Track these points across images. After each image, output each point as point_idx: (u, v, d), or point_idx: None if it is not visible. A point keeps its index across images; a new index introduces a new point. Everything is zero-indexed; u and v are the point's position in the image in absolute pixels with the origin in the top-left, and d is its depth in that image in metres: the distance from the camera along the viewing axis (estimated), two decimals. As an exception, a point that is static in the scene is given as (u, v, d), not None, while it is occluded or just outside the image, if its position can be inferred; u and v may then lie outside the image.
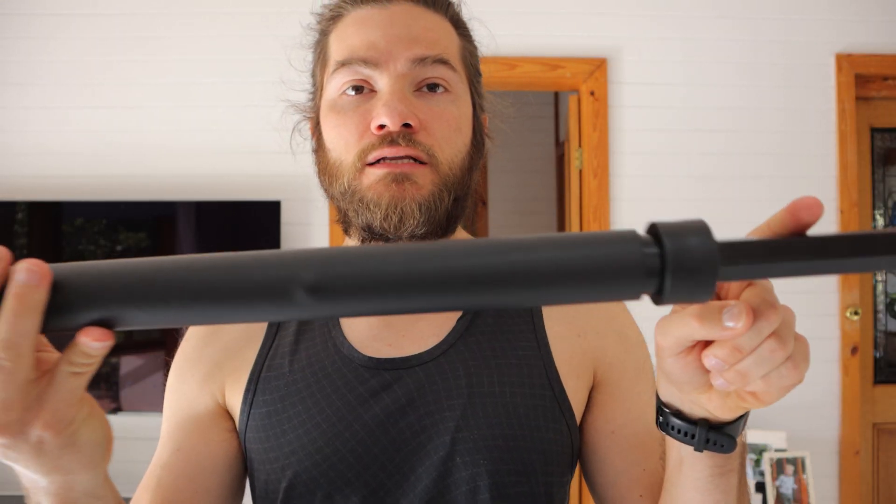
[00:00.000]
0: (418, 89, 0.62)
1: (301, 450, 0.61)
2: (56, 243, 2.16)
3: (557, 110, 4.03)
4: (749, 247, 0.37)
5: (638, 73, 2.30)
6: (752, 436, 2.16)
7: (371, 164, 0.60)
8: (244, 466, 0.66)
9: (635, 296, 0.33)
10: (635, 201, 2.29)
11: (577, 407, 0.65)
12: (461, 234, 0.71)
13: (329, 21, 0.66)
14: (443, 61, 0.62)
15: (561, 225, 3.74)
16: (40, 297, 0.33)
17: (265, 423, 0.63)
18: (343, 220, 0.66)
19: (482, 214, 4.08)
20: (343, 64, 0.62)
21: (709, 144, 2.30)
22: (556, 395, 0.64)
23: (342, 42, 0.63)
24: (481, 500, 0.59)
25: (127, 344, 2.16)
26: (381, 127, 0.59)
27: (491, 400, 0.61)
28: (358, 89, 0.62)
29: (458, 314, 0.66)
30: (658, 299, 0.33)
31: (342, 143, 0.62)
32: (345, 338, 0.65)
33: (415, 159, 0.59)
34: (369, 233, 0.62)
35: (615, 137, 2.29)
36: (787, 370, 0.38)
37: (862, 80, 2.35)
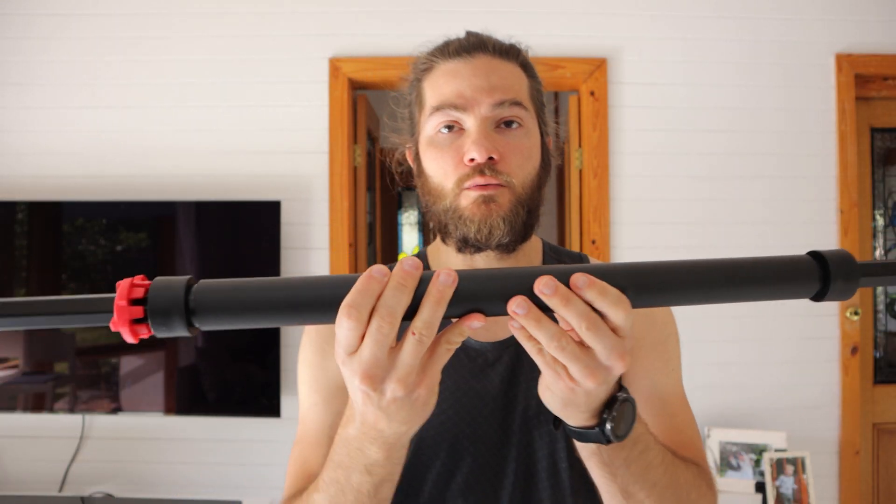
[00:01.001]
0: (497, 126, 0.77)
1: (423, 431, 0.77)
2: (56, 243, 2.16)
3: (557, 110, 4.03)
4: (877, 267, 0.51)
5: (638, 73, 2.30)
6: (752, 436, 2.17)
7: (467, 189, 0.76)
8: None
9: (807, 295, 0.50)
10: (635, 201, 2.29)
11: None
12: (533, 238, 0.86)
13: (423, 71, 0.82)
14: (516, 103, 0.78)
15: (561, 225, 3.74)
16: (450, 293, 0.47)
17: None
18: (442, 231, 0.81)
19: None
20: (438, 108, 0.77)
21: (709, 144, 2.30)
22: None
23: (435, 90, 0.79)
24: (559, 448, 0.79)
25: (126, 344, 2.16)
26: (472, 160, 0.75)
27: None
28: (450, 128, 0.78)
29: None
30: (818, 299, 0.50)
31: (442, 172, 0.77)
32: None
33: (498, 185, 0.75)
34: (465, 243, 0.78)
35: (615, 137, 2.29)
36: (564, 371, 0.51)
37: (862, 80, 2.35)
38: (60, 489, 2.19)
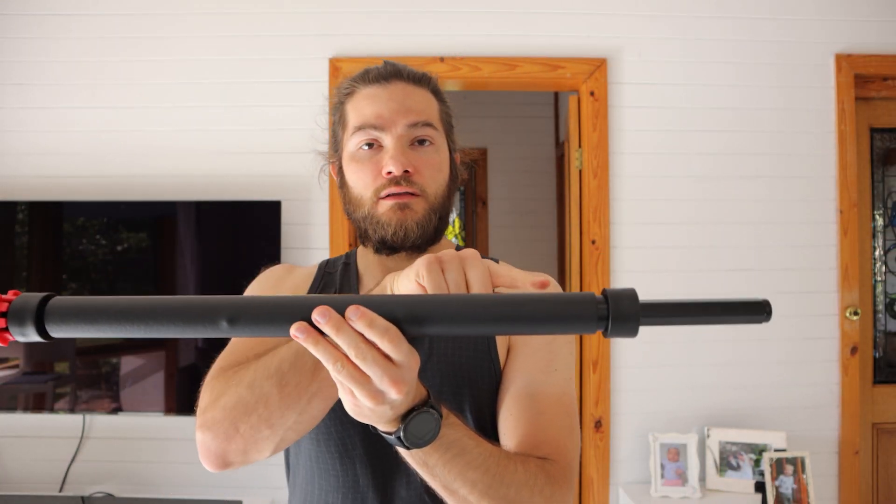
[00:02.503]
0: (412, 144, 0.88)
1: (320, 430, 0.87)
2: (56, 243, 2.17)
3: (557, 110, 4.03)
4: (659, 307, 0.52)
5: (638, 73, 2.30)
6: (751, 436, 2.17)
7: (383, 198, 0.86)
8: None
9: (591, 331, 0.52)
10: (635, 201, 2.29)
11: (502, 364, 0.91)
12: (444, 241, 0.96)
13: (345, 95, 0.93)
14: (428, 124, 0.89)
15: (561, 225, 3.74)
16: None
17: None
18: (363, 236, 0.91)
19: (482, 214, 4.08)
20: (359, 128, 0.88)
21: (708, 144, 2.30)
22: (493, 359, 0.89)
23: (357, 112, 0.89)
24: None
25: (127, 344, 2.16)
26: (389, 173, 0.85)
27: (455, 360, 0.88)
28: (370, 145, 0.88)
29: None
30: (605, 334, 0.52)
31: (361, 183, 0.88)
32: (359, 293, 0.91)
33: (412, 194, 0.86)
34: (382, 244, 0.88)
35: (615, 137, 2.29)
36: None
37: (861, 81, 2.35)
38: (61, 489, 2.19)
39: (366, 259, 0.97)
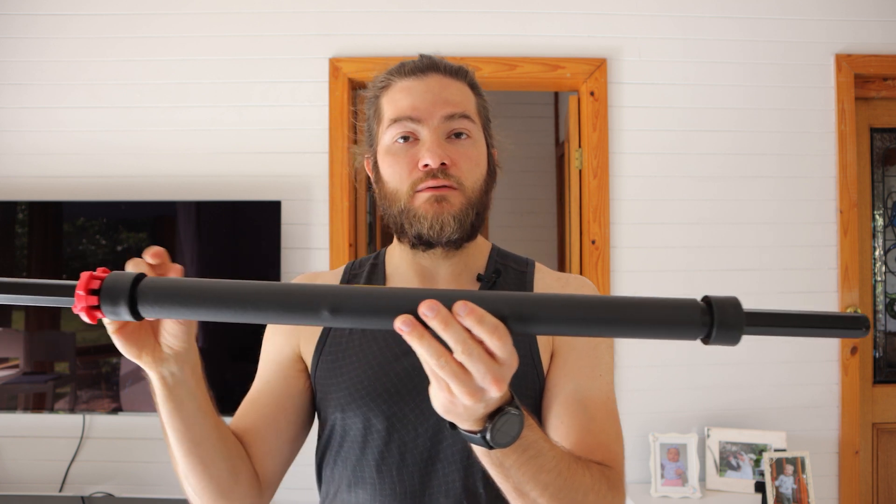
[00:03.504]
0: (448, 137, 0.86)
1: (353, 385, 0.87)
2: (56, 243, 2.17)
3: (557, 110, 4.03)
4: (762, 317, 0.51)
5: (638, 73, 2.30)
6: (751, 436, 2.17)
7: (419, 191, 0.85)
8: (312, 400, 0.92)
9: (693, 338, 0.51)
10: (635, 201, 2.29)
11: (546, 370, 0.90)
12: (481, 240, 0.95)
13: (381, 88, 0.92)
14: (465, 116, 0.87)
15: (561, 225, 3.74)
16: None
17: (330, 367, 0.89)
18: (399, 231, 0.89)
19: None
20: (395, 120, 0.87)
21: (708, 144, 2.30)
22: (535, 365, 0.88)
23: (393, 104, 0.88)
24: None
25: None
26: (426, 165, 0.84)
27: None
28: (406, 138, 0.87)
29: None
30: (706, 342, 0.51)
31: (397, 177, 0.86)
32: None
33: (448, 186, 0.84)
34: (419, 239, 0.86)
35: (615, 138, 2.29)
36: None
37: (861, 81, 2.35)
38: (61, 489, 2.19)
39: (395, 259, 0.95)
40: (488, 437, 0.59)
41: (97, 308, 0.53)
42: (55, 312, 2.16)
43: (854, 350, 2.28)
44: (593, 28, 2.30)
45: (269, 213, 2.15)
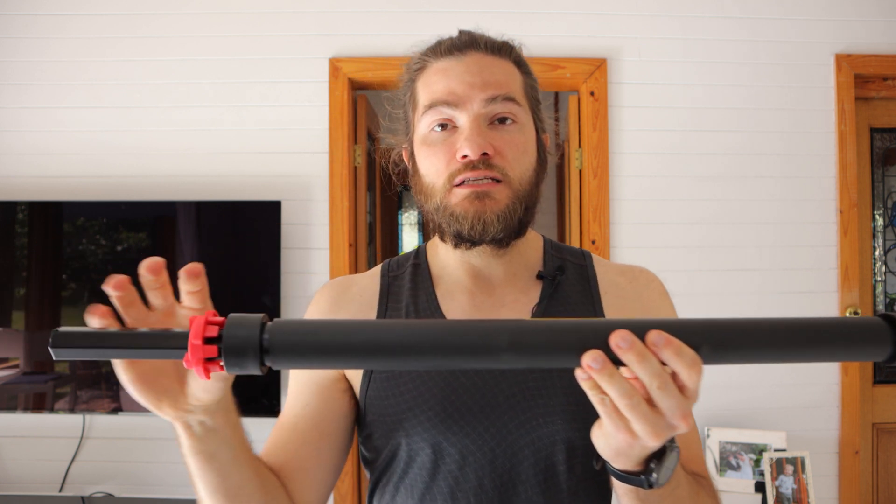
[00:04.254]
0: (491, 123, 0.77)
1: (416, 406, 0.77)
2: (56, 243, 2.17)
3: (557, 110, 4.03)
4: None
5: (638, 73, 2.30)
6: (752, 436, 2.17)
7: (458, 185, 0.75)
8: (353, 423, 0.83)
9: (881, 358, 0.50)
10: (635, 201, 2.29)
11: None
12: (531, 234, 0.86)
13: (416, 71, 0.82)
14: (510, 98, 0.77)
15: (561, 225, 3.74)
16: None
17: (385, 384, 0.79)
18: (438, 230, 0.81)
19: (482, 214, 4.07)
20: (430, 107, 0.77)
21: (709, 145, 2.30)
22: None
23: (428, 88, 0.79)
24: (557, 451, 0.76)
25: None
26: (465, 156, 0.74)
27: (567, 373, 0.71)
28: (443, 126, 0.77)
29: (534, 303, 0.82)
30: (887, 362, 0.50)
31: (434, 169, 0.77)
32: (445, 318, 0.80)
33: (492, 179, 0.75)
34: (459, 239, 0.77)
35: (615, 137, 2.29)
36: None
37: (861, 81, 2.35)
38: (61, 489, 2.19)
39: (440, 257, 0.86)
40: (654, 477, 0.55)
41: (214, 360, 0.45)
42: (55, 311, 2.16)
43: (854, 350, 2.28)
44: (593, 28, 2.30)
45: (269, 213, 2.15)
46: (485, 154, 0.74)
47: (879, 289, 2.47)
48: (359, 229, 2.35)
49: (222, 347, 0.45)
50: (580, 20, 2.30)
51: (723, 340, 0.47)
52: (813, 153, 2.31)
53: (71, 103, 2.26)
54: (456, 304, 0.82)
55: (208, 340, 0.45)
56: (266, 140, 2.25)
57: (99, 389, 2.15)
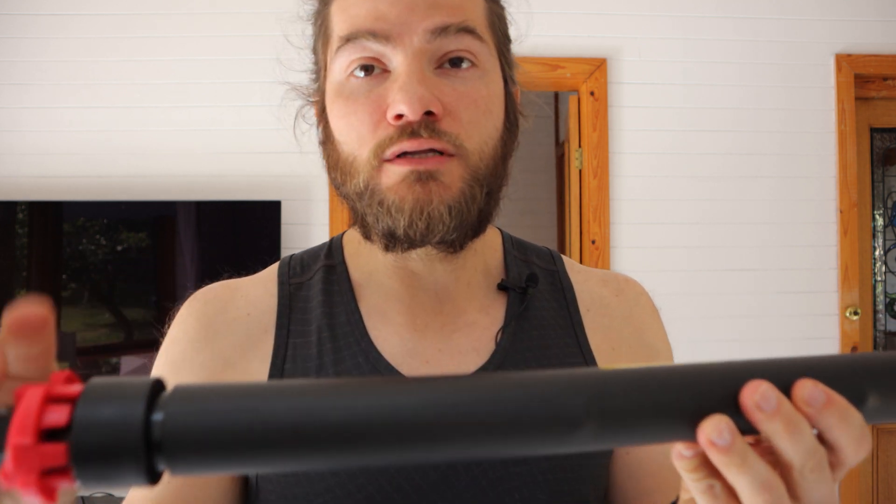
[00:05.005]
0: (440, 66, 0.52)
1: (338, 487, 0.52)
2: (56, 243, 2.17)
3: (557, 110, 4.03)
4: None
5: (638, 73, 2.30)
6: (751, 436, 2.17)
7: (389, 160, 0.51)
8: (244, 497, 0.59)
9: None
10: (635, 201, 2.29)
11: None
12: (492, 232, 0.64)
13: None
14: (467, 29, 0.52)
15: (561, 225, 3.74)
16: None
17: None
18: (361, 224, 0.56)
19: (482, 214, 4.07)
20: (348, 39, 0.52)
21: (709, 144, 2.30)
22: None
23: (345, 13, 0.53)
24: None
25: (127, 344, 2.16)
26: (399, 116, 0.50)
27: None
28: (367, 69, 0.52)
29: (496, 324, 0.60)
30: None
31: (354, 135, 0.52)
32: (380, 353, 0.57)
33: (439, 152, 0.51)
34: (392, 239, 0.53)
35: (615, 137, 2.29)
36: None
37: (861, 81, 2.35)
38: (61, 489, 2.19)
39: (362, 255, 0.61)
40: None
41: (59, 471, 0.26)
42: (55, 312, 2.16)
43: (854, 350, 2.28)
44: (593, 28, 2.30)
45: (269, 213, 2.15)
46: (429, 113, 0.50)
47: (879, 289, 2.47)
48: (359, 229, 2.35)
49: (72, 445, 0.25)
50: (580, 20, 2.30)
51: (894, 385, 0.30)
52: (813, 153, 2.31)
53: (71, 103, 2.26)
54: (389, 326, 0.59)
55: (49, 434, 0.26)
56: (266, 140, 2.25)
57: (99, 389, 2.15)
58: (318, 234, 2.25)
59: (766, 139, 2.30)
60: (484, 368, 0.57)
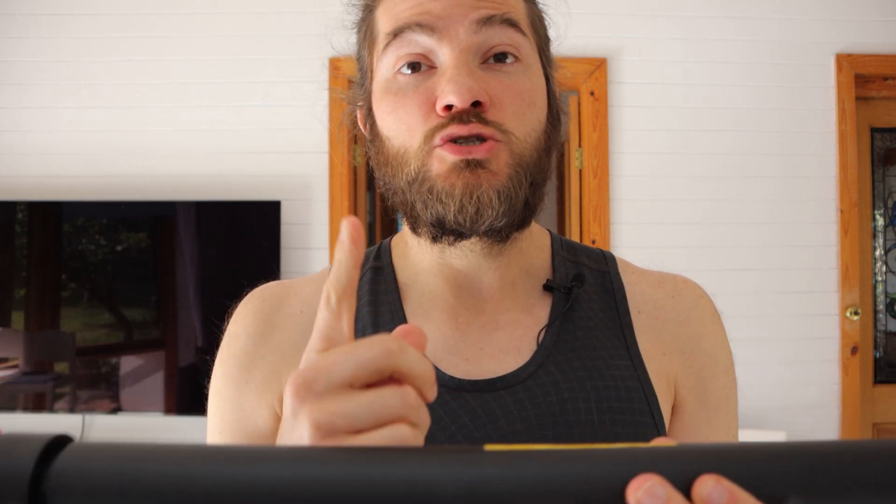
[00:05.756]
0: (484, 60, 0.54)
1: None
2: (56, 243, 2.16)
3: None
4: None
5: (638, 73, 2.30)
6: (752, 436, 2.16)
7: (439, 146, 0.52)
8: None
9: None
10: (635, 201, 2.29)
11: (667, 428, 0.60)
12: (536, 229, 0.64)
13: None
14: (510, 22, 0.54)
15: (561, 225, 3.74)
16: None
17: None
18: (410, 216, 0.56)
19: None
20: (395, 34, 0.54)
21: (709, 144, 2.30)
22: (657, 423, 0.57)
23: (390, 12, 0.55)
24: None
25: (127, 344, 2.16)
26: (448, 108, 0.51)
27: (589, 430, 0.54)
28: (414, 66, 0.54)
29: (540, 323, 0.60)
30: None
31: (404, 127, 0.54)
32: None
33: (488, 139, 0.52)
34: (440, 229, 0.54)
35: (615, 137, 2.29)
36: None
37: (862, 80, 2.35)
38: (61, 489, 2.19)
39: (411, 259, 0.63)
40: None
41: None
42: (55, 311, 2.16)
43: (854, 350, 2.28)
44: (593, 28, 2.29)
45: (269, 213, 2.15)
46: (477, 104, 0.51)
47: (880, 289, 2.46)
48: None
49: None
50: (580, 20, 2.29)
51: (821, 485, 0.26)
52: (813, 153, 2.31)
53: (71, 103, 2.26)
54: (432, 324, 0.60)
55: None
56: (266, 140, 2.25)
57: (98, 389, 2.15)
58: (318, 234, 2.25)
59: (766, 139, 2.30)
60: (525, 367, 0.57)
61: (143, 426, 2.22)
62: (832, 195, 2.30)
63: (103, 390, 2.15)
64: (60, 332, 2.16)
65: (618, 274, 0.64)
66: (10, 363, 2.15)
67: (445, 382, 0.56)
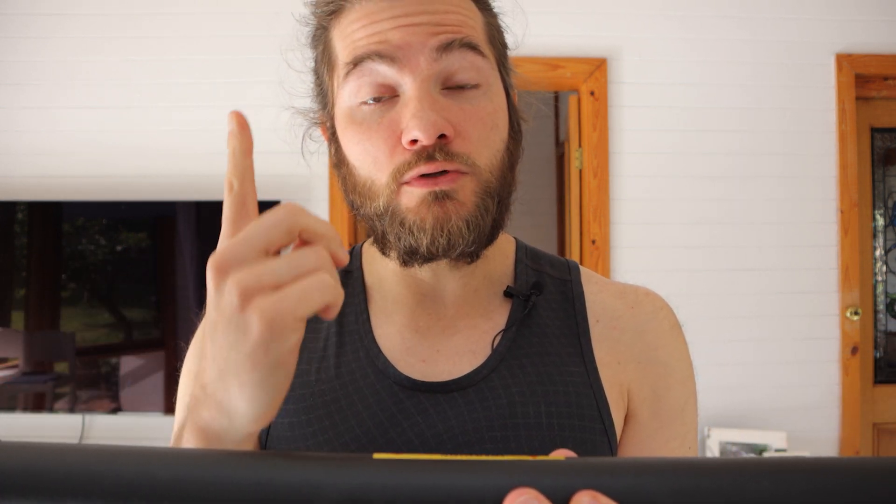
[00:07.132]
0: (445, 87, 0.55)
1: None
2: (56, 243, 2.16)
3: (557, 110, 4.03)
4: None
5: (638, 73, 2.30)
6: (752, 436, 2.17)
7: (406, 183, 0.54)
8: None
9: None
10: (635, 201, 2.29)
11: (619, 437, 0.61)
12: (505, 240, 0.66)
13: (328, 15, 0.58)
14: (470, 45, 0.54)
15: (561, 225, 3.74)
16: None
17: (287, 435, 0.58)
18: (381, 242, 0.59)
19: (482, 214, 4.07)
20: (356, 63, 0.54)
21: (709, 144, 2.30)
22: (607, 430, 0.58)
23: (347, 39, 0.56)
24: None
25: (127, 344, 2.16)
26: (414, 142, 0.53)
27: (538, 433, 0.56)
28: (377, 99, 0.55)
29: (497, 329, 0.62)
30: None
31: (370, 159, 0.55)
32: (379, 349, 0.61)
33: (454, 172, 0.54)
34: (413, 255, 0.56)
35: (615, 137, 2.29)
36: None
37: (862, 80, 2.35)
38: (60, 489, 2.19)
39: (378, 266, 0.65)
40: None
41: None
42: (55, 311, 2.16)
43: (855, 350, 2.28)
44: (593, 28, 2.29)
45: (269, 213, 2.15)
46: (442, 136, 0.52)
47: (880, 289, 2.46)
48: (359, 229, 2.35)
49: None
50: (580, 20, 2.30)
51: (695, 502, 0.27)
52: (813, 153, 2.31)
53: (70, 103, 2.26)
54: (393, 326, 0.62)
55: None
56: (266, 140, 2.25)
57: (98, 390, 2.15)
58: (318, 234, 2.25)
59: (767, 139, 2.30)
60: (478, 371, 0.59)
61: (143, 426, 2.22)
62: (832, 195, 2.30)
63: (103, 390, 2.15)
64: (60, 332, 2.16)
65: (580, 283, 0.65)
66: (9, 363, 2.15)
67: (401, 382, 0.58)
